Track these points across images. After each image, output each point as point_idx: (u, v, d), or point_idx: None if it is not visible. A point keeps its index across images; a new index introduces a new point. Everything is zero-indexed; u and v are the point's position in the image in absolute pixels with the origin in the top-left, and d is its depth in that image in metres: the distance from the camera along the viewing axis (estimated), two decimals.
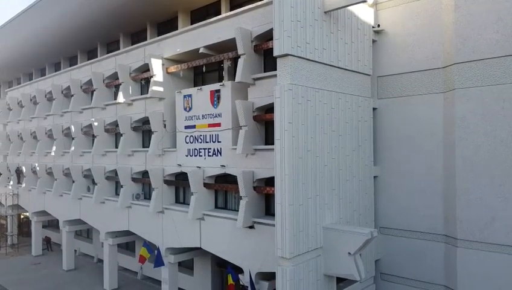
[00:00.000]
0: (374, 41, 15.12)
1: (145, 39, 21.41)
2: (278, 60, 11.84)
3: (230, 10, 17.41)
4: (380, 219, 15.22)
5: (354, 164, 13.98)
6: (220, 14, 17.77)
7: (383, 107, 15.17)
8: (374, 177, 15.13)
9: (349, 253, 11.85)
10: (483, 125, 12.72)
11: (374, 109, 15.13)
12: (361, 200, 14.38)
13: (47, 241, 30.05)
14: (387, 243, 14.99)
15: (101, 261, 25.80)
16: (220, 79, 17.54)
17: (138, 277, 23.14)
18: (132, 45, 22.34)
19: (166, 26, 21.02)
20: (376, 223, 15.18)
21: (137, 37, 22.96)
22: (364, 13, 14.50)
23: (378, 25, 15.02)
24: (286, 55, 11.57)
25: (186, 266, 20.46)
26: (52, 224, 33.09)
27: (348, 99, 13.70)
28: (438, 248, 13.95)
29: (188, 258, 18.82)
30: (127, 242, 22.71)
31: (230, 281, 14.42)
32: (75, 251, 26.91)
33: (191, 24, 19.23)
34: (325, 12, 12.76)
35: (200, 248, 16.54)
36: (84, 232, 28.93)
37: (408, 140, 14.57)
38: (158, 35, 20.79)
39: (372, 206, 15.06)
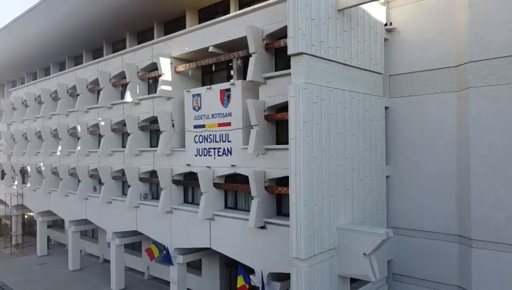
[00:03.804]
0: (385, 39, 14.97)
1: (152, 38, 21.28)
2: (292, 59, 11.70)
3: (239, 9, 17.24)
4: (392, 218, 15.09)
5: (366, 163, 13.85)
6: (228, 12, 17.64)
7: (395, 106, 15.03)
8: (386, 176, 15.00)
9: (364, 253, 11.72)
10: (499, 124, 12.57)
11: (386, 108, 14.98)
12: (373, 200, 14.25)
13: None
14: (399, 243, 14.85)
15: (106, 261, 25.73)
16: (228, 78, 17.44)
17: (145, 277, 23.04)
18: (138, 43, 22.21)
19: (174, 24, 20.84)
20: (388, 223, 15.05)
21: (143, 35, 22.80)
22: (376, 11, 14.35)
23: (390, 23, 14.87)
24: (301, 53, 11.42)
25: (193, 266, 20.34)
26: (56, 224, 33.04)
27: (361, 98, 13.56)
28: (451, 248, 13.81)
29: (197, 259, 18.69)
30: (133, 242, 22.57)
31: (241, 282, 14.27)
32: (81, 251, 26.77)
33: (199, 23, 19.08)
34: (339, 10, 12.62)
35: (209, 248, 16.43)
36: (90, 232, 28.84)
37: (421, 139, 14.42)
38: (165, 34, 20.67)
39: (385, 206, 14.94)
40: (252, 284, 14.36)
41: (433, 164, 14.18)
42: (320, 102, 11.85)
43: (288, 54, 11.62)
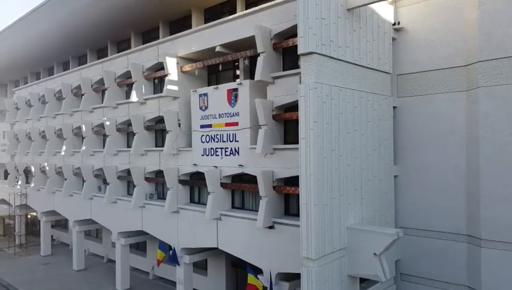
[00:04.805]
0: (393, 39, 14.93)
1: (157, 38, 21.26)
2: (302, 58, 11.65)
3: (246, 8, 17.24)
4: (400, 218, 15.05)
5: (375, 163, 13.82)
6: (235, 12, 17.64)
7: (403, 105, 14.99)
8: (394, 176, 14.96)
9: (374, 253, 11.69)
10: (508, 123, 12.52)
11: (394, 107, 14.95)
12: (382, 200, 14.22)
13: None
14: (407, 243, 14.80)
15: (111, 261, 25.70)
16: (234, 78, 17.41)
17: (150, 277, 23.01)
18: (143, 43, 22.20)
19: (179, 24, 20.83)
20: (396, 223, 15.01)
21: (148, 35, 22.79)
22: (384, 11, 14.33)
23: (398, 23, 14.83)
24: (311, 53, 11.37)
25: (199, 266, 20.29)
26: (60, 224, 32.99)
27: (369, 98, 13.53)
28: (460, 248, 13.78)
29: (203, 259, 18.66)
30: (138, 242, 22.51)
31: (252, 280, 14.22)
32: (85, 251, 26.70)
33: (205, 22, 19.07)
34: (348, 9, 12.58)
35: (216, 248, 16.40)
36: (93, 232, 28.79)
37: (429, 139, 14.38)
38: (170, 34, 20.67)
39: (393, 206, 14.91)
40: (260, 284, 14.33)
41: (441, 164, 14.14)
42: (330, 102, 11.81)
43: (298, 53, 11.57)
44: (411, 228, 14.82)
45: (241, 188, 15.68)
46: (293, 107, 13.78)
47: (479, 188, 13.06)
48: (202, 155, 16.62)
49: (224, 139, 15.74)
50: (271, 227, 13.94)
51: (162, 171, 18.22)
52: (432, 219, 14.35)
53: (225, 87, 15.75)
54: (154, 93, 19.64)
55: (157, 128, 19.29)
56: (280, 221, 13.78)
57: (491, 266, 12.78)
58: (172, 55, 17.54)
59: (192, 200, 18.09)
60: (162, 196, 19.57)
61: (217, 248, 16.19)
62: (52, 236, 30.59)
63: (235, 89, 15.34)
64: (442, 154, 14.12)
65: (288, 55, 14.58)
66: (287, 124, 14.61)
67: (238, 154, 15.27)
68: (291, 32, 13.68)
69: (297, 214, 13.77)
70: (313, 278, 11.15)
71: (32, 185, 28.46)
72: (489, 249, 12.80)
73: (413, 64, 14.75)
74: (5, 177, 34.07)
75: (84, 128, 22.99)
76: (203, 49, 16.61)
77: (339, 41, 12.27)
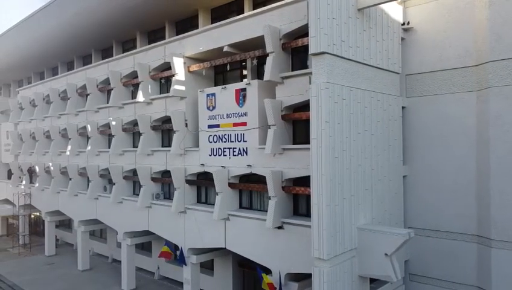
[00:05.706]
0: (402, 39, 14.91)
1: (162, 37, 21.23)
2: (314, 58, 11.62)
3: (253, 8, 17.20)
4: (409, 219, 15.03)
5: (385, 163, 13.79)
6: (242, 12, 17.62)
7: (411, 106, 14.97)
8: (403, 176, 14.93)
9: (385, 254, 11.66)
10: None
11: (403, 107, 14.92)
12: (391, 200, 14.19)
13: None
14: (416, 244, 14.76)
15: (115, 261, 25.68)
16: (241, 78, 17.38)
17: (155, 277, 22.98)
18: (149, 43, 22.18)
19: (185, 24, 20.80)
20: (405, 223, 14.99)
21: (154, 35, 22.75)
22: (393, 11, 14.30)
23: (408, 23, 14.80)
24: (322, 53, 11.34)
25: (205, 266, 20.25)
26: (63, 224, 32.97)
27: (379, 98, 13.51)
28: (469, 249, 13.75)
29: (210, 259, 18.63)
30: (143, 242, 22.46)
31: (268, 280, 14.18)
32: (89, 251, 26.66)
33: (212, 22, 19.04)
34: (358, 9, 12.56)
35: (223, 249, 16.37)
36: (98, 232, 28.76)
37: (438, 139, 14.36)
38: (176, 34, 20.65)
39: (402, 206, 14.88)
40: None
41: (451, 164, 14.12)
42: (341, 102, 11.78)
43: (309, 53, 11.54)
44: (420, 228, 14.79)
45: (249, 188, 15.65)
46: (303, 107, 13.79)
47: (489, 188, 13.04)
48: (210, 155, 16.59)
49: (232, 139, 15.71)
50: (280, 227, 13.91)
51: (168, 171, 18.20)
52: (441, 219, 14.32)
53: (233, 87, 15.72)
54: (160, 93, 19.64)
55: (164, 128, 19.27)
56: (289, 221, 13.74)
57: (501, 266, 12.76)
58: (179, 55, 17.51)
59: (199, 200, 18.06)
60: (168, 196, 19.54)
61: (225, 248, 16.17)
62: (55, 236, 30.56)
63: (244, 89, 15.31)
64: (451, 155, 14.10)
65: (296, 55, 14.56)
66: (295, 124, 14.59)
67: (247, 154, 15.24)
68: (301, 32, 13.67)
69: (306, 215, 13.81)
70: (324, 278, 11.12)
71: (37, 185, 28.41)
72: (499, 250, 12.78)
73: (422, 64, 14.73)
74: (9, 177, 34.04)
75: (89, 128, 22.97)
76: (210, 49, 16.58)
77: (350, 41, 12.24)
